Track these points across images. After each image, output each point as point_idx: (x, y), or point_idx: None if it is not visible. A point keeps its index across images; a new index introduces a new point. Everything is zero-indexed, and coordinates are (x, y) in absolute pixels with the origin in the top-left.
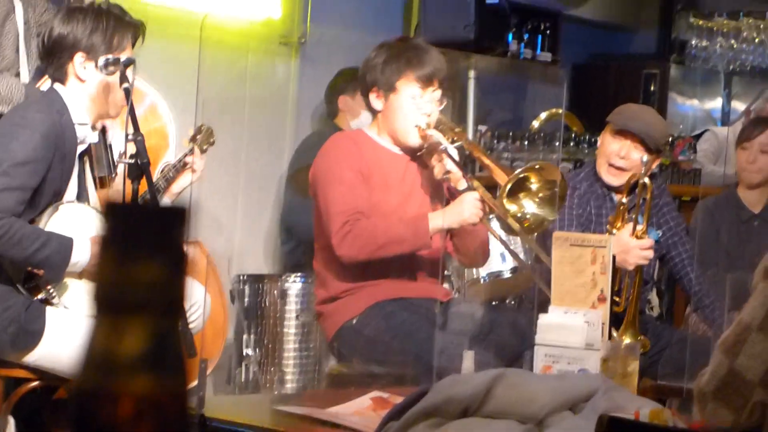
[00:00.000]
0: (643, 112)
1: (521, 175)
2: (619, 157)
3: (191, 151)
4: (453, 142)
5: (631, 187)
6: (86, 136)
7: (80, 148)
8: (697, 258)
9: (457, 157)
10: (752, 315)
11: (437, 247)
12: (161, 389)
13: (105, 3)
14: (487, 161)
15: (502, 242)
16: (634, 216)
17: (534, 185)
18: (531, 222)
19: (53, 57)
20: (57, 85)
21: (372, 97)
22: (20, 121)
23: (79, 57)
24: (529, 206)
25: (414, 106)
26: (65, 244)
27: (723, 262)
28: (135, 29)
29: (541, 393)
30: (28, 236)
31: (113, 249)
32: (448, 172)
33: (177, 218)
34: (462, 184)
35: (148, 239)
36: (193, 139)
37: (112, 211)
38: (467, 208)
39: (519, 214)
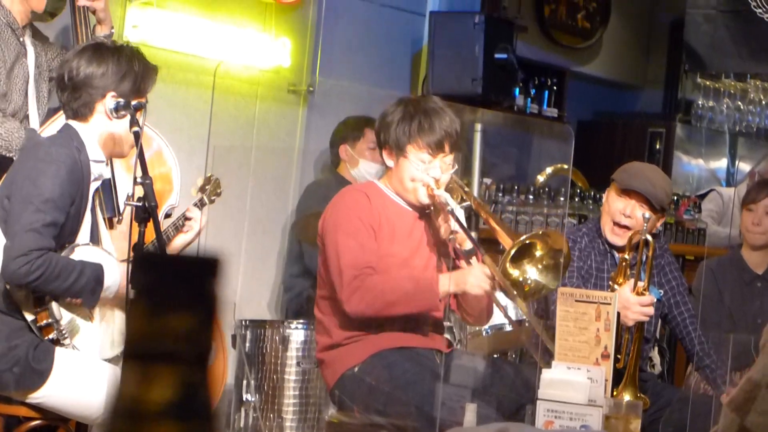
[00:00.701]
0: (648, 171)
1: (526, 241)
2: (624, 215)
3: (200, 202)
4: (462, 201)
5: (634, 245)
6: (101, 172)
7: (95, 186)
8: (700, 318)
9: (463, 218)
10: (762, 372)
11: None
12: None
13: (128, 46)
14: (493, 224)
15: (500, 309)
16: (635, 272)
17: (538, 252)
18: (531, 288)
19: (79, 93)
20: (73, 122)
21: (384, 153)
22: (45, 157)
23: (111, 96)
24: (532, 273)
25: (423, 171)
26: (97, 270)
27: (726, 322)
28: (155, 74)
29: None
30: (66, 268)
31: (144, 299)
32: (453, 232)
33: (209, 269)
34: (467, 245)
35: (180, 290)
36: (201, 190)
37: (143, 261)
38: (474, 281)
39: (521, 279)
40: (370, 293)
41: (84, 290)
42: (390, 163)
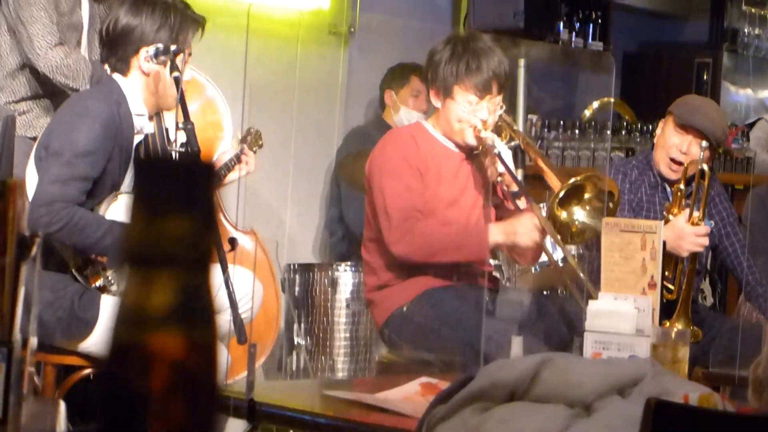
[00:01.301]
0: (707, 106)
1: (575, 184)
2: (681, 152)
3: (242, 152)
4: (510, 140)
5: (690, 176)
6: (143, 126)
7: (137, 139)
8: (749, 246)
9: (511, 160)
10: None
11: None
12: (191, 341)
13: None
14: (542, 164)
15: (547, 254)
16: (690, 203)
17: (587, 194)
18: (579, 229)
19: (117, 48)
20: (116, 75)
21: (432, 93)
22: (81, 111)
23: (144, 51)
24: (579, 214)
25: (470, 113)
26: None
27: None
28: (198, 25)
29: (589, 377)
30: (92, 224)
31: (143, 203)
32: (501, 174)
33: (206, 172)
34: (514, 187)
35: (176, 193)
36: (244, 141)
37: (142, 165)
38: (524, 232)
39: (568, 221)
40: (419, 239)
41: (110, 249)
42: (437, 103)
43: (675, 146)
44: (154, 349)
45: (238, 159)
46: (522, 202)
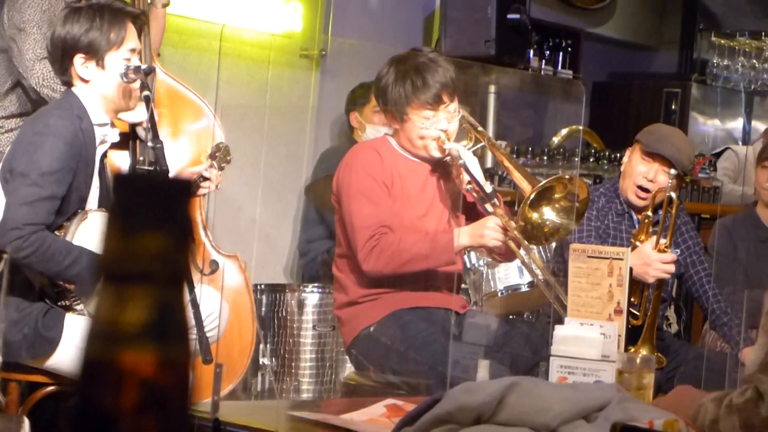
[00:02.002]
0: (674, 135)
1: (547, 186)
2: (647, 179)
3: (210, 168)
4: (476, 142)
5: (658, 203)
6: (106, 134)
7: (102, 149)
8: (715, 276)
9: (477, 165)
10: None
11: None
12: (164, 357)
13: (96, 2)
14: (509, 165)
15: (521, 259)
16: (658, 230)
17: (556, 194)
18: (550, 229)
19: (57, 61)
20: (74, 88)
21: (388, 118)
22: (43, 130)
23: (78, 58)
24: (549, 214)
25: (429, 127)
26: (96, 261)
27: (740, 279)
28: (134, 18)
29: (555, 402)
30: (60, 251)
31: (119, 219)
32: (469, 182)
33: (183, 190)
34: (487, 187)
35: (153, 210)
36: (212, 157)
37: (119, 182)
38: (488, 233)
39: (539, 221)
40: (387, 252)
41: (78, 278)
42: (395, 125)
43: (641, 174)
44: (127, 366)
45: (204, 178)
46: (489, 207)
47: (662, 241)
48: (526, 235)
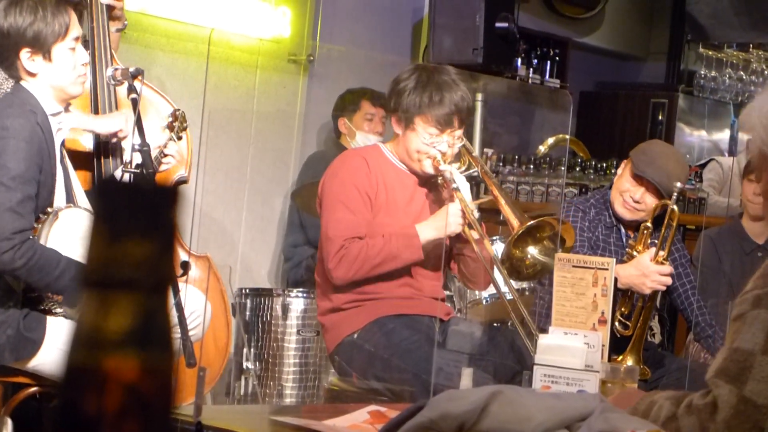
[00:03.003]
0: (665, 156)
1: (533, 225)
2: (633, 199)
3: (169, 140)
4: (469, 167)
5: (658, 214)
6: (61, 122)
7: (60, 137)
8: (700, 287)
9: (468, 193)
10: (753, 341)
11: (440, 266)
12: (147, 364)
13: None
14: (498, 195)
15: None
16: (657, 242)
17: (542, 233)
18: (530, 264)
19: (1, 55)
20: (22, 82)
21: (393, 119)
22: (1, 133)
23: (25, 52)
24: (533, 251)
25: (430, 144)
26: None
27: (725, 291)
28: (75, 5)
29: (537, 411)
30: (50, 262)
31: (103, 226)
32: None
33: (168, 197)
34: (475, 213)
35: (138, 217)
36: (170, 128)
37: (103, 188)
38: (451, 220)
39: (522, 256)
40: (356, 260)
41: (66, 289)
42: (398, 130)
43: (629, 193)
44: (111, 372)
45: (163, 155)
46: (475, 233)
47: (661, 252)
48: (509, 270)
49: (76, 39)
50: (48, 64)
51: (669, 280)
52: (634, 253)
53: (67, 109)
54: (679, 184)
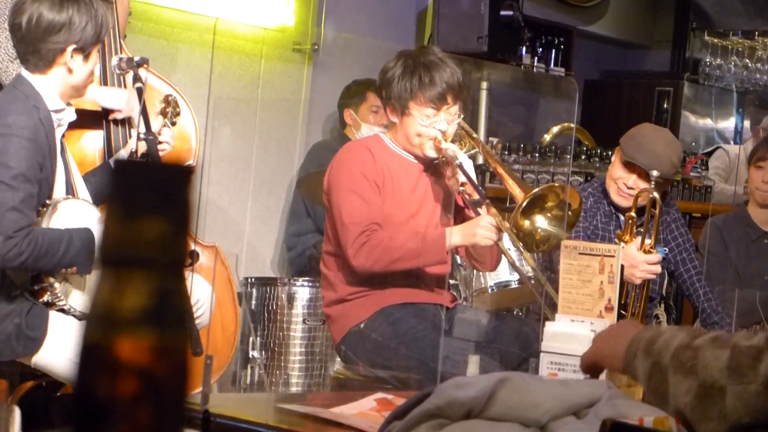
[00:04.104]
0: (654, 141)
1: (539, 194)
2: (627, 186)
3: (163, 127)
4: (471, 148)
5: (641, 206)
6: (62, 119)
7: (60, 132)
8: (706, 275)
9: (471, 168)
10: None
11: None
12: (162, 344)
13: None
14: (502, 172)
15: (511, 261)
16: (642, 231)
17: (549, 203)
18: (542, 237)
19: (39, 46)
20: (27, 75)
21: (388, 110)
22: (4, 131)
23: (71, 50)
24: (542, 222)
25: (428, 126)
26: (87, 239)
27: (731, 279)
28: (112, 15)
29: (545, 398)
30: (53, 243)
31: (119, 205)
32: (463, 184)
33: (182, 177)
34: (476, 196)
35: (153, 196)
36: (163, 114)
37: (119, 168)
38: (481, 232)
39: (531, 229)
40: (377, 249)
41: (77, 259)
42: (394, 119)
43: (622, 180)
44: (125, 353)
45: (159, 141)
46: (483, 210)
47: (647, 241)
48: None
49: (124, 37)
50: (83, 64)
51: (658, 269)
52: (622, 244)
53: (68, 104)
54: (655, 173)
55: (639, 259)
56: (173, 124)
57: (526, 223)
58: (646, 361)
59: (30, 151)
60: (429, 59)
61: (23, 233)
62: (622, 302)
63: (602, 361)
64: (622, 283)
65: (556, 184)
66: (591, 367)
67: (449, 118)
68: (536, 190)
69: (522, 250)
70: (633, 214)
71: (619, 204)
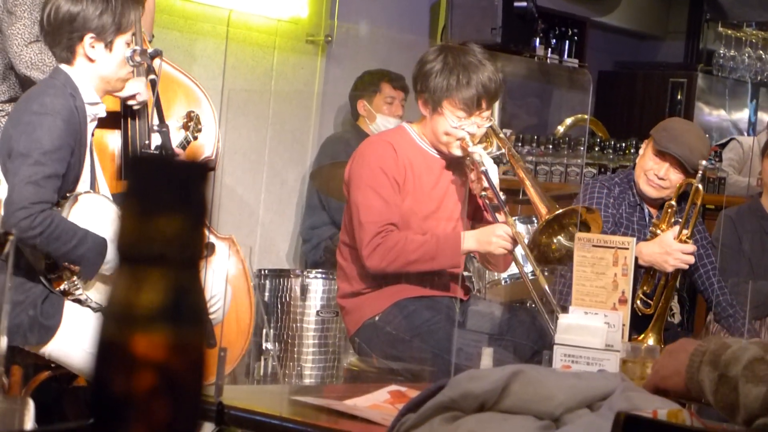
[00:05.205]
0: (687, 133)
1: (560, 212)
2: (658, 176)
3: (185, 140)
4: (498, 149)
5: (682, 192)
6: (97, 113)
7: (91, 127)
8: (720, 267)
9: (496, 174)
10: None
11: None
12: (179, 340)
13: None
14: (527, 182)
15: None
16: (681, 221)
17: (570, 220)
18: (557, 252)
19: (61, 37)
20: (63, 66)
21: (419, 102)
22: (39, 109)
23: (89, 38)
24: (559, 237)
25: (458, 127)
26: (100, 244)
27: (745, 271)
28: (137, 2)
29: (559, 390)
30: (67, 232)
31: (135, 201)
32: (485, 189)
33: (199, 172)
34: (495, 201)
35: (170, 192)
36: (186, 127)
37: (136, 163)
38: (497, 241)
39: (548, 242)
40: (392, 252)
41: (83, 259)
42: (425, 112)
43: (652, 170)
44: (142, 349)
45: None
46: (500, 217)
47: (684, 231)
48: (535, 255)
49: (134, 35)
50: (107, 54)
51: (692, 259)
52: (658, 231)
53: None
54: (704, 162)
55: (674, 247)
56: (195, 138)
57: (543, 236)
58: (712, 373)
59: (63, 131)
60: (469, 60)
61: (38, 207)
62: (648, 291)
63: (664, 382)
64: (653, 271)
65: (581, 207)
66: (654, 392)
67: (480, 122)
68: (559, 211)
69: (534, 264)
70: (673, 202)
71: (648, 194)
